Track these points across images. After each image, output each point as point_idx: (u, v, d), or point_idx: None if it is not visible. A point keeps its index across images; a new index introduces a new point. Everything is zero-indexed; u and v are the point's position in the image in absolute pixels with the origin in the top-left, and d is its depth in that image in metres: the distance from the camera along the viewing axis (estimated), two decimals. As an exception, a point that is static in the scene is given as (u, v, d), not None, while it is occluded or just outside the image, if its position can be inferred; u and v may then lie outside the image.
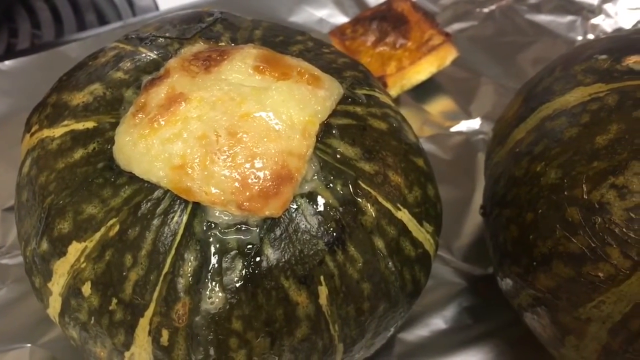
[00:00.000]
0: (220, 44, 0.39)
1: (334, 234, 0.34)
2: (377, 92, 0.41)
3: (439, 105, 0.65)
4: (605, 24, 0.71)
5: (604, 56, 0.41)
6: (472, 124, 0.63)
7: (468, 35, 0.70)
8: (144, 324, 0.34)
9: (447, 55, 0.62)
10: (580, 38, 0.70)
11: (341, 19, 0.70)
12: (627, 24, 0.71)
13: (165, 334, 0.33)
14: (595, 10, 0.72)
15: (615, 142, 0.36)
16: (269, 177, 0.33)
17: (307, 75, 0.36)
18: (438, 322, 0.49)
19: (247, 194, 0.32)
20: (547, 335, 0.41)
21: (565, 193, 0.37)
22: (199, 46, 0.38)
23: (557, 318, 0.39)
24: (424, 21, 0.63)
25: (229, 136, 0.33)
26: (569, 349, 0.39)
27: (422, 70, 0.62)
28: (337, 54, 0.43)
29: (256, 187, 0.32)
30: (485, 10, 0.73)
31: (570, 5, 0.72)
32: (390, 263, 0.36)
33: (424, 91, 0.65)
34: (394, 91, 0.62)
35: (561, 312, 0.38)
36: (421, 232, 0.39)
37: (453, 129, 0.63)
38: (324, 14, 0.71)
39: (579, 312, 0.37)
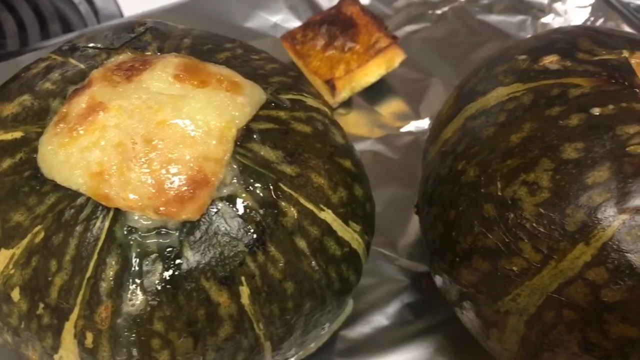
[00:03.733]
0: (146, 53, 0.40)
1: (254, 235, 0.35)
2: (305, 97, 0.42)
3: (390, 107, 0.66)
4: (555, 22, 0.73)
5: (523, 56, 0.42)
6: (421, 124, 0.64)
7: (420, 37, 0.72)
8: (69, 328, 0.35)
9: (395, 58, 0.64)
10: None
11: (295, 23, 0.71)
12: (577, 22, 0.72)
13: (89, 337, 0.34)
14: (545, 9, 0.73)
15: (527, 140, 0.38)
16: (184, 182, 0.34)
17: (226, 83, 0.37)
18: (380, 319, 0.50)
19: (163, 199, 0.33)
20: (474, 328, 0.42)
21: (482, 190, 0.38)
22: (126, 56, 0.39)
23: (480, 312, 0.40)
24: (372, 24, 0.64)
25: (145, 143, 0.34)
26: (493, 341, 0.40)
27: (371, 73, 0.63)
28: (268, 60, 0.44)
29: (172, 192, 0.33)
30: (438, 12, 0.74)
31: (520, 4, 0.74)
32: (313, 262, 0.38)
33: (375, 93, 0.66)
34: (344, 93, 0.64)
35: (483, 306, 0.39)
36: (347, 232, 0.40)
37: (403, 130, 0.64)
38: (279, 19, 0.73)
39: (499, 305, 0.38)
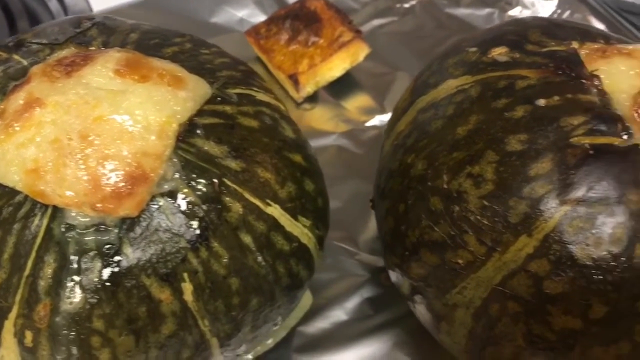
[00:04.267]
0: (91, 48, 0.40)
1: (197, 231, 0.35)
2: (254, 91, 0.42)
3: (355, 101, 0.66)
4: (523, 15, 0.72)
5: (473, 48, 0.42)
6: (385, 118, 0.64)
7: (387, 31, 0.71)
8: (9, 326, 0.34)
9: (359, 52, 0.63)
10: (497, 30, 0.71)
11: (261, 18, 0.71)
12: (544, 15, 0.72)
13: (29, 335, 0.34)
14: (512, 2, 0.73)
15: (473, 133, 0.37)
16: (121, 178, 0.33)
17: (168, 77, 0.36)
18: (339, 314, 0.50)
19: (100, 195, 0.33)
20: (427, 322, 0.42)
21: (429, 183, 0.38)
22: (69, 51, 0.39)
23: (430, 305, 0.40)
24: (336, 18, 0.64)
25: (81, 139, 0.33)
26: (443, 334, 0.40)
27: (335, 67, 0.63)
28: (217, 54, 0.43)
29: (108, 188, 0.33)
30: (406, 5, 0.74)
31: (488, -3, 0.74)
32: (259, 258, 0.37)
33: (341, 87, 0.66)
34: (309, 88, 0.63)
35: (433, 300, 0.39)
36: (296, 227, 0.39)
37: (368, 124, 0.64)
38: (245, 14, 0.72)
39: (446, 298, 0.38)
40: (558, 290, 0.34)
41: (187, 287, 0.35)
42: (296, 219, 0.40)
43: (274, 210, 0.38)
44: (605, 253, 0.33)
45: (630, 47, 0.40)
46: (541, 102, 0.37)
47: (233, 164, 0.37)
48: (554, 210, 0.34)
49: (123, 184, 0.33)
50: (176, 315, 0.35)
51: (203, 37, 0.69)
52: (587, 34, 0.42)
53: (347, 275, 0.53)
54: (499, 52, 0.40)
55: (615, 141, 0.35)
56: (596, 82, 0.38)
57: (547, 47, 0.40)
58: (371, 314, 0.50)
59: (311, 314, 0.50)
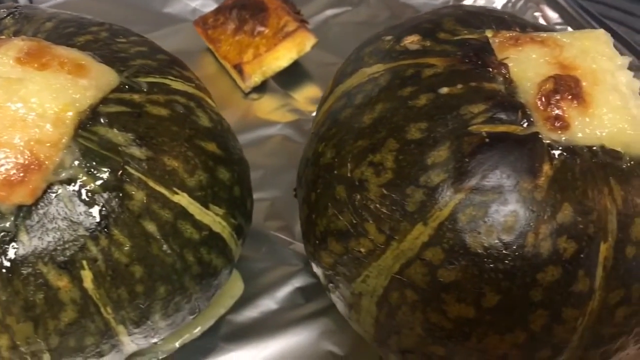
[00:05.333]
0: (1, 37, 0.40)
1: (96, 219, 0.35)
2: (170, 80, 0.42)
3: (304, 91, 0.66)
4: (477, 4, 0.72)
5: (389, 37, 0.42)
6: (331, 108, 0.63)
7: (340, 21, 0.71)
8: None
9: (305, 42, 0.63)
10: (451, 19, 0.71)
11: (213, 8, 0.71)
12: (499, 4, 0.72)
13: None
14: (433, -9, 0.73)
15: (377, 121, 0.37)
16: (12, 166, 0.33)
17: (69, 65, 0.36)
18: (269, 303, 0.50)
19: (-9, 183, 0.33)
20: (342, 311, 0.42)
21: (335, 172, 0.38)
22: (-22, 40, 0.39)
23: (342, 294, 0.40)
24: (282, 8, 0.64)
25: (-27, 127, 0.33)
26: (354, 323, 0.40)
27: (281, 57, 0.63)
28: (135, 43, 0.43)
29: (-1, 176, 0.33)
30: (361, -6, 0.73)
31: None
32: (165, 246, 0.37)
33: (291, 77, 0.66)
34: (255, 78, 0.63)
35: (343, 289, 0.39)
36: (207, 215, 0.40)
37: (314, 114, 0.63)
38: (198, 4, 0.72)
39: (353, 287, 0.38)
40: (451, 278, 0.34)
41: (87, 275, 0.35)
42: (207, 208, 0.40)
43: (181, 199, 0.38)
44: (496, 241, 0.33)
45: (544, 35, 0.40)
46: (444, 90, 0.37)
47: (137, 152, 0.37)
48: (448, 198, 0.34)
49: (14, 171, 0.33)
50: (76, 302, 0.35)
51: (155, 27, 0.69)
52: (503, 22, 0.41)
53: (280, 265, 0.53)
54: (411, 41, 0.40)
55: (516, 129, 0.35)
56: (503, 71, 0.37)
57: (460, 35, 0.40)
58: (301, 303, 0.51)
59: (241, 303, 0.50)
